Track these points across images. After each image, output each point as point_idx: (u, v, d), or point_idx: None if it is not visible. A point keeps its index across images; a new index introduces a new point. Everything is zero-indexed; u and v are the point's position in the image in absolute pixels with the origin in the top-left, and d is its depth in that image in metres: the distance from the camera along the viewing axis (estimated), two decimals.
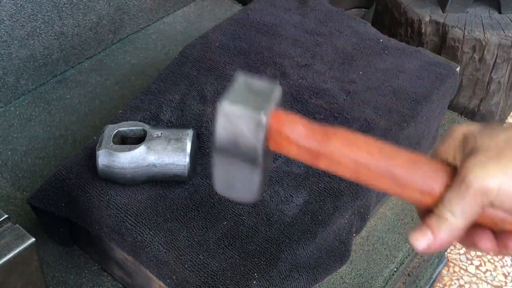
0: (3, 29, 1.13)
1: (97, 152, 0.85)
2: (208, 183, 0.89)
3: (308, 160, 0.53)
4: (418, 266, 1.15)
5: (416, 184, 0.50)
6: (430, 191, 0.50)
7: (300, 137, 0.52)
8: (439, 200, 0.49)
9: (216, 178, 0.55)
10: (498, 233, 0.50)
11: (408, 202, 0.52)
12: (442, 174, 0.50)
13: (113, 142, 0.86)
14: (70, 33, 1.25)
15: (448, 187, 0.49)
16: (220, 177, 0.55)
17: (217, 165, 0.54)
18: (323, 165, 0.52)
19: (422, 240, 0.49)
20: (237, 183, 0.54)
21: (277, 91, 0.53)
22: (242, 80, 0.53)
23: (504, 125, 0.49)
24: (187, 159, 0.85)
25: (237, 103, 0.51)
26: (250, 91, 0.53)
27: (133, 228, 0.83)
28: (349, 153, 0.51)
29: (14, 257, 0.67)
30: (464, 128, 0.51)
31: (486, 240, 0.50)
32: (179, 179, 0.88)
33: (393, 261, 1.03)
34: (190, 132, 0.88)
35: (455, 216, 0.47)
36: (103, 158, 0.85)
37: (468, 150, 0.48)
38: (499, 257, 1.63)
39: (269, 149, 0.53)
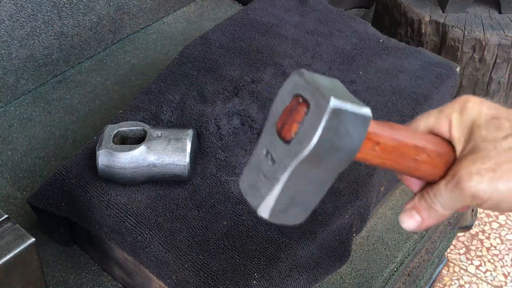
0: (3, 29, 1.13)
1: (97, 152, 0.85)
2: (208, 183, 0.89)
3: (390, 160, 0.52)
4: (418, 266, 1.15)
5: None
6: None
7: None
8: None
9: (282, 194, 0.46)
10: None
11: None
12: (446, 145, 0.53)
13: (113, 142, 0.86)
14: (70, 33, 1.25)
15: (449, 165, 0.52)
16: (288, 193, 0.46)
17: (294, 177, 0.45)
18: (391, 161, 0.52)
19: (410, 222, 0.54)
20: (302, 197, 0.48)
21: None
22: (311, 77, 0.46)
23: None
24: (187, 159, 0.85)
25: (342, 100, 0.44)
26: (333, 87, 0.46)
27: (133, 228, 0.83)
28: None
29: (14, 257, 0.67)
30: (475, 109, 0.52)
31: None
32: (179, 179, 0.88)
33: (393, 261, 1.03)
34: (190, 132, 0.88)
35: (444, 208, 0.52)
36: (103, 158, 0.85)
37: (470, 147, 0.51)
38: (499, 257, 1.63)
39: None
